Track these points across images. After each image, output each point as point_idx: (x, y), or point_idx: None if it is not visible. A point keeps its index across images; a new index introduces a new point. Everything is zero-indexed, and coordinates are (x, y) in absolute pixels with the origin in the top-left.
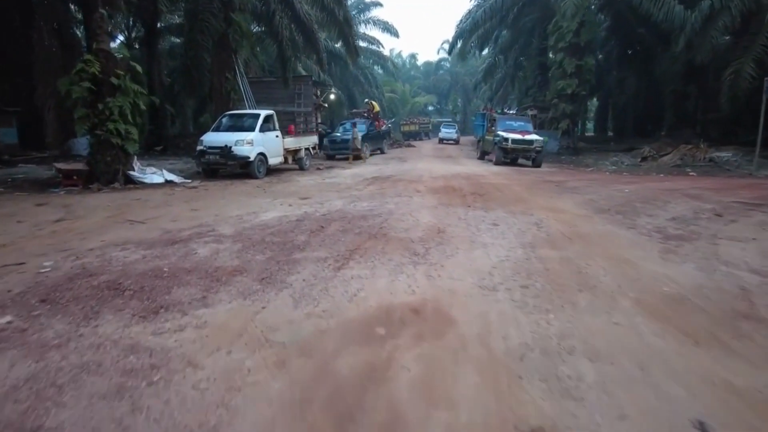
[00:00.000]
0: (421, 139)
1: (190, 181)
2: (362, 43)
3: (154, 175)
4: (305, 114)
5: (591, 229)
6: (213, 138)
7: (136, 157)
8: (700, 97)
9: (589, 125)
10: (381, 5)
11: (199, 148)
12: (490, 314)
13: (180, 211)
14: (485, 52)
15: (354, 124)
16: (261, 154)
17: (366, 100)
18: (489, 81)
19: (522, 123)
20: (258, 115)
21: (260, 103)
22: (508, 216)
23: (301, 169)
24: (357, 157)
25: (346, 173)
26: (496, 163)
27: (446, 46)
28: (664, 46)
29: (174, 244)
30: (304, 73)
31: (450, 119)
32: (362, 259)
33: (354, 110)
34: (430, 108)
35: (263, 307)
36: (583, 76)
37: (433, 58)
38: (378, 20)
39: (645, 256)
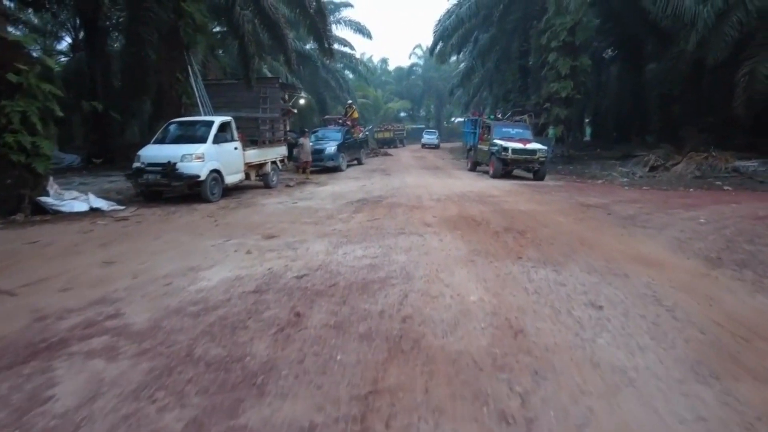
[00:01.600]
0: (396, 147)
1: (122, 208)
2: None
3: (75, 201)
4: (272, 121)
5: (745, 308)
6: (153, 152)
7: (51, 179)
8: (697, 100)
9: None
10: (351, 6)
11: (135, 164)
12: None
13: (86, 266)
14: (462, 55)
15: (305, 133)
16: (215, 171)
17: (348, 101)
18: (467, 85)
19: (520, 130)
20: (211, 123)
21: (219, 109)
22: (595, 280)
23: (267, 186)
24: (303, 171)
25: (323, 192)
26: (494, 176)
27: (418, 51)
28: (663, 46)
29: (27, 361)
30: (270, 74)
31: (425, 126)
32: None
33: (327, 116)
34: (403, 114)
35: None
36: (578, 78)
37: (405, 63)
38: (350, 20)
39: None
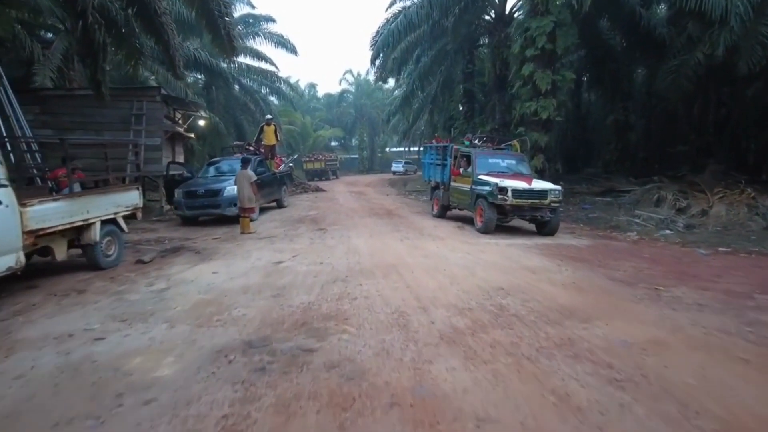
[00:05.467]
0: (328, 179)
1: None
2: (251, 61)
3: None
4: (152, 148)
5: None
6: None
7: None
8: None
9: None
10: (274, 21)
11: None
12: None
13: None
14: (401, 77)
15: (246, 163)
16: None
17: (267, 116)
18: (406, 111)
19: (512, 161)
20: None
21: (70, 131)
22: None
23: (95, 267)
24: (245, 225)
25: (199, 283)
26: (486, 231)
27: (349, 77)
28: (657, 58)
29: None
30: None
31: (358, 156)
32: None
33: (236, 143)
34: (335, 143)
35: None
36: (559, 96)
37: (335, 90)
38: (270, 33)
39: None
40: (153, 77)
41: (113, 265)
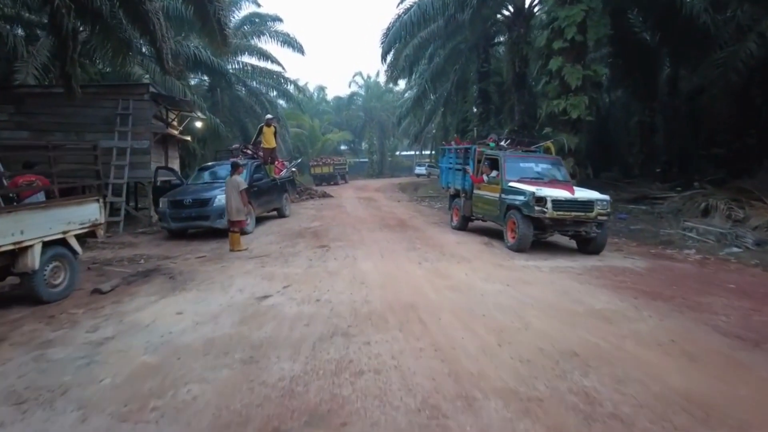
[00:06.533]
0: (336, 183)
1: None
2: (257, 61)
3: None
4: (139, 152)
5: None
6: None
7: None
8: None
9: None
10: (281, 21)
11: None
12: None
13: None
14: (413, 77)
15: (237, 168)
16: None
17: (267, 116)
18: (418, 113)
19: (547, 165)
20: None
21: (48, 132)
22: None
23: (37, 300)
24: (234, 242)
25: (154, 332)
26: (519, 249)
27: (359, 79)
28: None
29: None
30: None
31: (368, 159)
32: None
33: (234, 146)
34: (344, 147)
35: None
36: (589, 92)
37: (344, 92)
38: (276, 31)
39: None
40: (147, 76)
41: (61, 297)
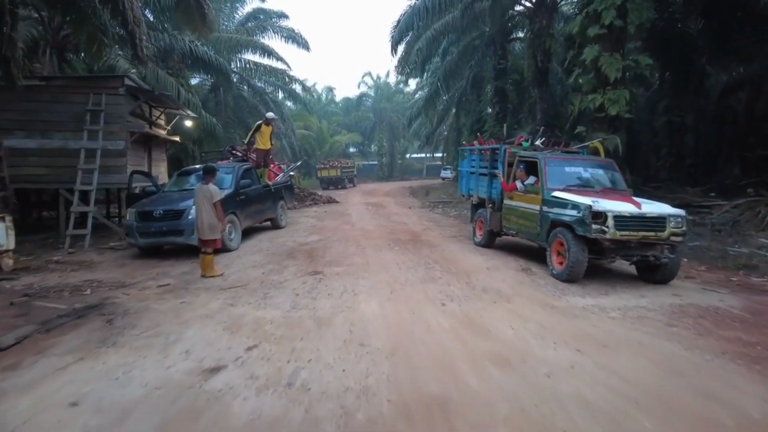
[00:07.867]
0: (344, 187)
1: None
2: (260, 59)
3: None
4: (114, 153)
5: None
6: None
7: None
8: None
9: None
10: (287, 17)
11: None
12: None
13: None
14: (425, 77)
15: (210, 174)
16: None
17: (269, 114)
18: (430, 113)
19: (599, 170)
20: None
21: (11, 132)
22: None
23: None
24: (207, 266)
25: None
26: (570, 279)
27: (368, 80)
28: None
29: None
30: (145, 85)
31: (377, 162)
32: None
33: (231, 147)
34: (353, 149)
35: None
36: (629, 86)
37: (353, 93)
38: (280, 27)
39: None
40: (134, 71)
41: None
